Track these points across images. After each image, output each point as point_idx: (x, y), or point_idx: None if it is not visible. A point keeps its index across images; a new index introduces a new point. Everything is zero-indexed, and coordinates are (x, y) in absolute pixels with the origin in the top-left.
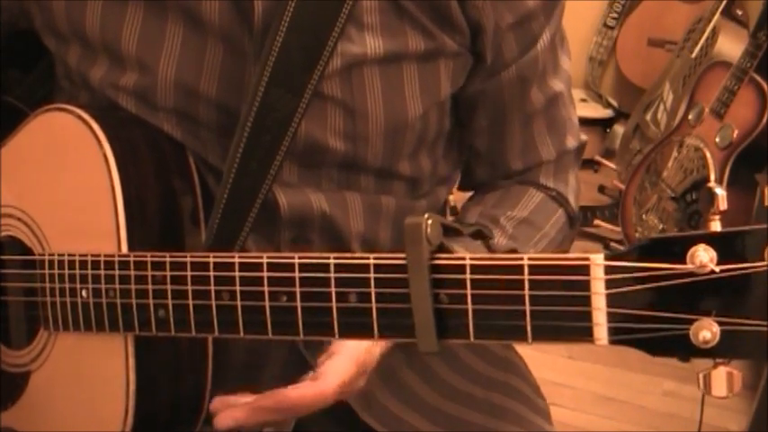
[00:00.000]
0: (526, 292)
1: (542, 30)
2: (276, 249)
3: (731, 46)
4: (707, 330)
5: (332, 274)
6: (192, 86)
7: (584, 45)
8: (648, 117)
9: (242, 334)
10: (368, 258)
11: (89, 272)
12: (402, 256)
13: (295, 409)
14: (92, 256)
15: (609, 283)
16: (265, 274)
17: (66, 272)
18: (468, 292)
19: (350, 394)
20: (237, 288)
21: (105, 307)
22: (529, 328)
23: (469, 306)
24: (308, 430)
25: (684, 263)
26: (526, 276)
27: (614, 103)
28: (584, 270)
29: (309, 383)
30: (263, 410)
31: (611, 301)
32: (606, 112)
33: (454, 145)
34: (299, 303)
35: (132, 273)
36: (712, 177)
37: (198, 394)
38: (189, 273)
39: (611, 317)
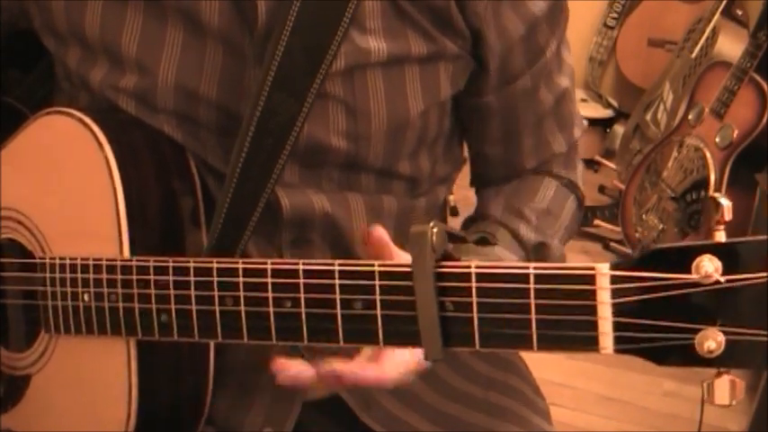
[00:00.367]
0: (532, 300)
1: (548, 41)
2: (277, 250)
3: (731, 46)
4: (712, 340)
5: (336, 281)
6: (193, 88)
7: (585, 45)
8: (648, 117)
9: (246, 339)
10: (373, 265)
11: (91, 275)
12: (407, 263)
13: (352, 385)
14: (93, 259)
15: (614, 293)
16: (270, 280)
17: (68, 275)
18: (474, 300)
19: (401, 384)
20: (241, 294)
21: (107, 311)
22: (534, 337)
23: (475, 314)
24: (308, 430)
25: (690, 273)
26: (532, 285)
27: (614, 103)
28: (590, 279)
29: (374, 366)
30: (323, 380)
31: (617, 310)
32: (606, 112)
33: (453, 146)
34: (303, 310)
35: (135, 277)
36: (712, 177)
37: (199, 396)
38: (192, 278)
39: (617, 326)
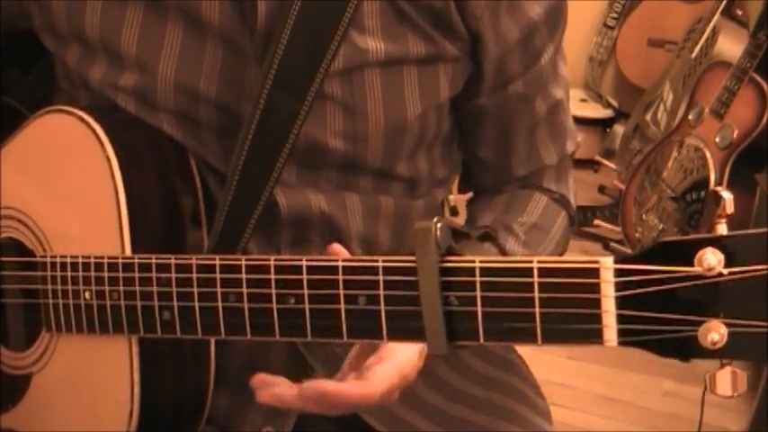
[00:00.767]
0: (536, 294)
1: (545, 46)
2: (276, 250)
3: (731, 46)
4: (715, 332)
5: (340, 277)
6: (192, 87)
7: (585, 45)
8: (648, 117)
9: (249, 336)
10: (377, 261)
11: (92, 274)
12: (411, 258)
13: (337, 406)
14: (95, 257)
15: (618, 286)
16: (273, 276)
17: (69, 274)
18: (478, 294)
19: (387, 403)
20: (245, 290)
21: (109, 309)
22: (539, 331)
23: (479, 308)
24: (308, 430)
25: (693, 266)
26: (536, 279)
27: (614, 103)
28: (594, 273)
29: (357, 383)
30: (306, 399)
31: (621, 303)
32: (606, 112)
33: (452, 148)
34: (306, 306)
35: (137, 275)
36: (712, 177)
37: (200, 394)
38: (194, 275)
39: (621, 319)
